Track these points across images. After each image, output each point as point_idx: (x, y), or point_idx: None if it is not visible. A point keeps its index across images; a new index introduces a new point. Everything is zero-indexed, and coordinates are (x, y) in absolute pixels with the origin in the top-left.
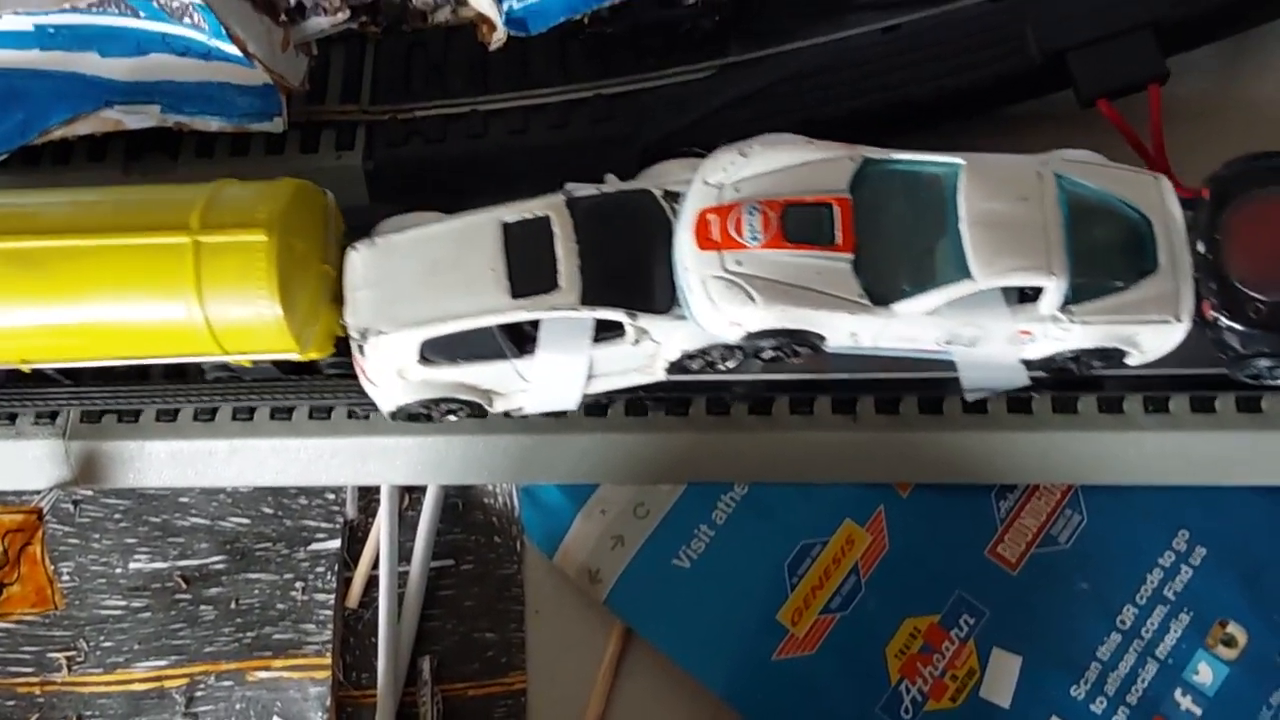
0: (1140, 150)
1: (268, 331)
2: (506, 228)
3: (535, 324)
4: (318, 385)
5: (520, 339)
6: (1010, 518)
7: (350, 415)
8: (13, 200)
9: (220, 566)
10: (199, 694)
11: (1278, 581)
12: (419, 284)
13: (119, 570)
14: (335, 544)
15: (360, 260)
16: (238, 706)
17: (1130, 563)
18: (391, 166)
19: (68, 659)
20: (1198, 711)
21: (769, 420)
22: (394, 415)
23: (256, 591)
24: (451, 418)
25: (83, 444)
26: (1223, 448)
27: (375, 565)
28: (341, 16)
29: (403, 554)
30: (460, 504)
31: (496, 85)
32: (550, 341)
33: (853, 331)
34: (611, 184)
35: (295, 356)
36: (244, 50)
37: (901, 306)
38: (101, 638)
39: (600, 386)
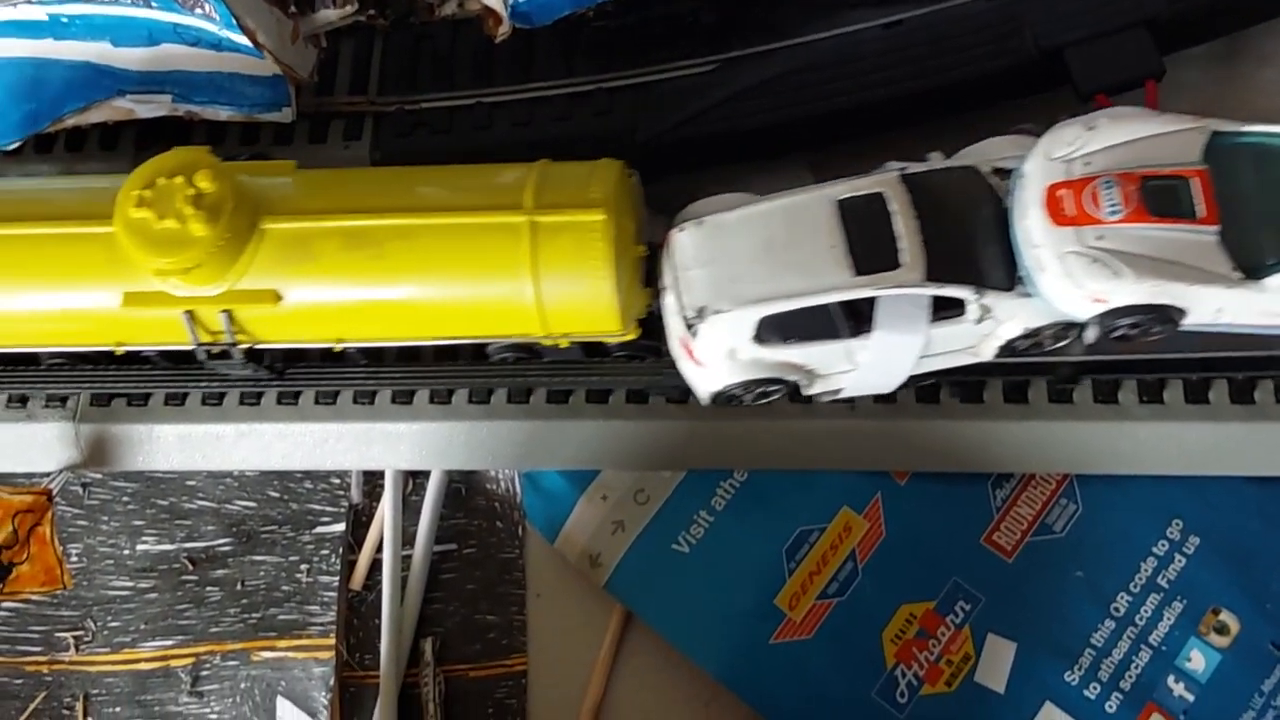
0: None
1: (598, 311)
2: (841, 205)
3: (870, 302)
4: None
5: (855, 318)
6: (1006, 506)
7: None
8: (342, 178)
9: (226, 548)
10: (204, 673)
11: (1269, 570)
12: (756, 262)
13: (127, 551)
14: (340, 527)
15: (690, 240)
16: (243, 686)
17: (1124, 551)
18: (398, 157)
19: (75, 638)
20: (1190, 698)
21: (768, 409)
22: (714, 399)
23: (262, 573)
24: (763, 401)
25: (92, 427)
26: (1216, 438)
27: (379, 548)
28: (350, 9)
29: (406, 538)
30: (463, 489)
31: (501, 78)
32: (888, 320)
33: (1219, 307)
34: (935, 160)
35: (616, 337)
36: (254, 41)
37: (1273, 280)
38: (109, 618)
39: (926, 367)
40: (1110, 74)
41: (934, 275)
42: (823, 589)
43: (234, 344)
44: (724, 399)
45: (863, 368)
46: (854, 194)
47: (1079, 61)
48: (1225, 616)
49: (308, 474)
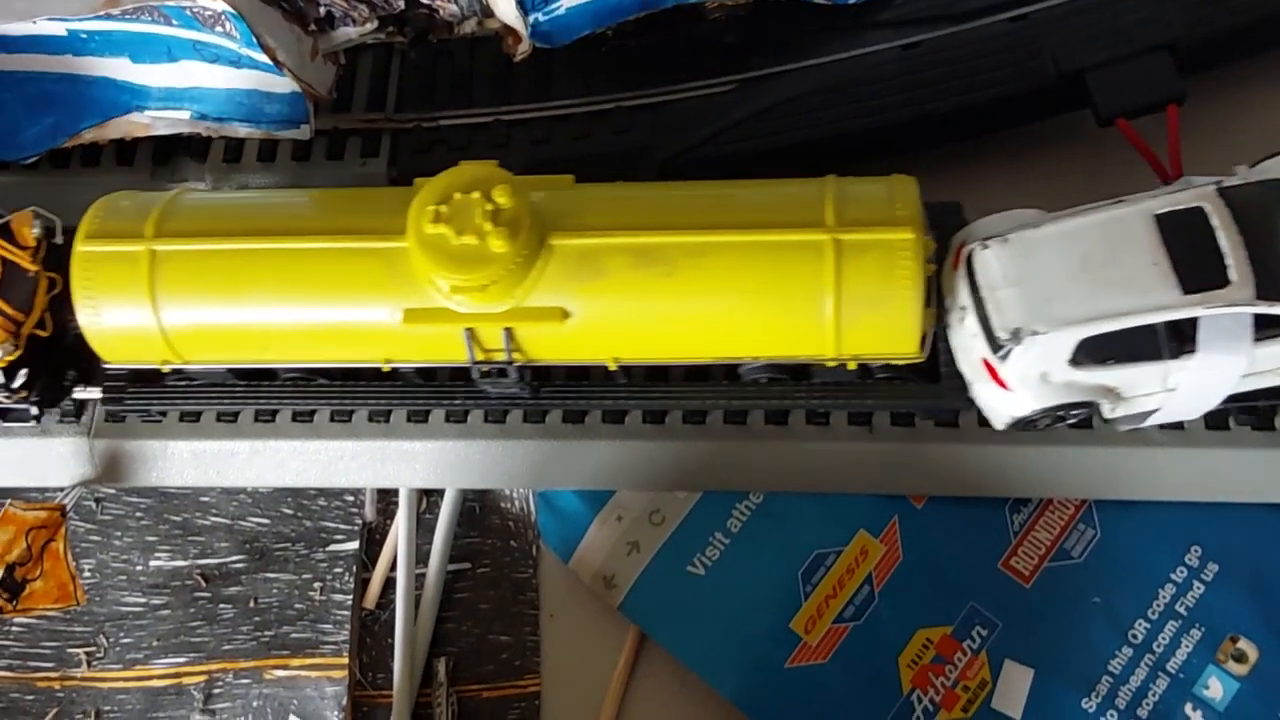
0: (1158, 170)
1: (898, 332)
2: (1160, 220)
3: (1193, 322)
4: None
5: (1178, 338)
6: (1024, 531)
7: (370, 419)
8: (626, 193)
9: (240, 565)
10: (217, 691)
11: None
12: (1073, 280)
13: (139, 568)
14: (353, 545)
15: (996, 258)
16: (255, 704)
17: (1143, 577)
18: (416, 174)
19: (87, 655)
20: None
21: (785, 430)
22: (1016, 424)
23: (275, 591)
24: (1059, 424)
25: (106, 443)
26: (1236, 465)
27: (393, 567)
28: (370, 26)
29: (420, 556)
30: (477, 508)
31: (520, 96)
32: (1212, 340)
33: None
34: (1240, 174)
35: (908, 359)
36: (273, 58)
37: None
38: (121, 634)
39: (1241, 387)
40: (1131, 97)
41: (1264, 293)
42: (839, 613)
43: (509, 362)
44: (1024, 425)
45: (1182, 390)
46: (1172, 208)
47: (1100, 84)
48: (1244, 644)
49: (322, 491)
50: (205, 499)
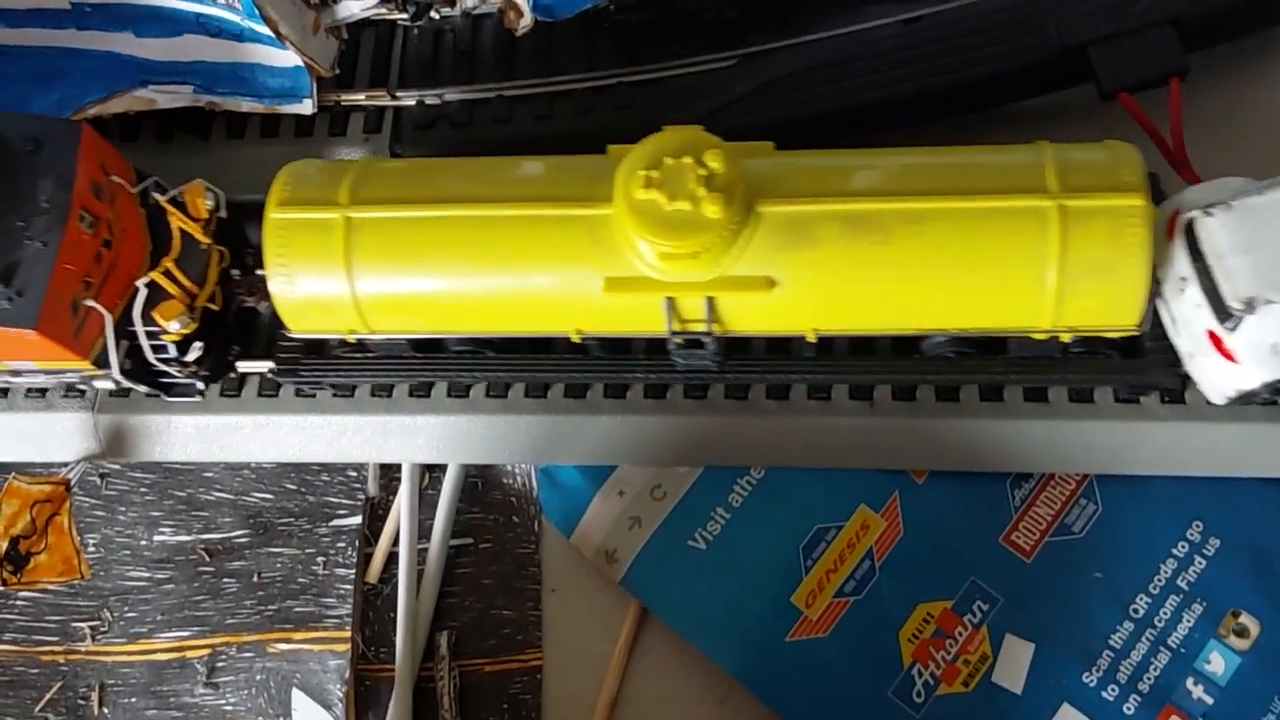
0: (1160, 145)
1: (1123, 303)
2: None
3: None
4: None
5: None
6: (1025, 506)
7: (373, 393)
8: (833, 158)
9: (243, 540)
10: (220, 664)
11: None
12: None
13: (144, 542)
14: (356, 520)
15: (1222, 226)
16: (258, 677)
17: (1144, 552)
18: (418, 150)
19: (92, 629)
20: (1209, 700)
21: (786, 405)
22: (1237, 399)
23: (278, 565)
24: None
25: (111, 418)
26: (1238, 439)
27: (395, 542)
28: (372, 1)
29: (422, 531)
30: (480, 483)
31: (522, 71)
32: None
33: None
34: None
35: (1126, 332)
36: (276, 32)
37: None
38: (125, 608)
39: None
40: (1134, 72)
41: None
42: (839, 587)
43: (708, 333)
44: (1244, 398)
45: None
46: None
47: (1103, 59)
48: (1245, 619)
49: (325, 467)
50: (209, 474)
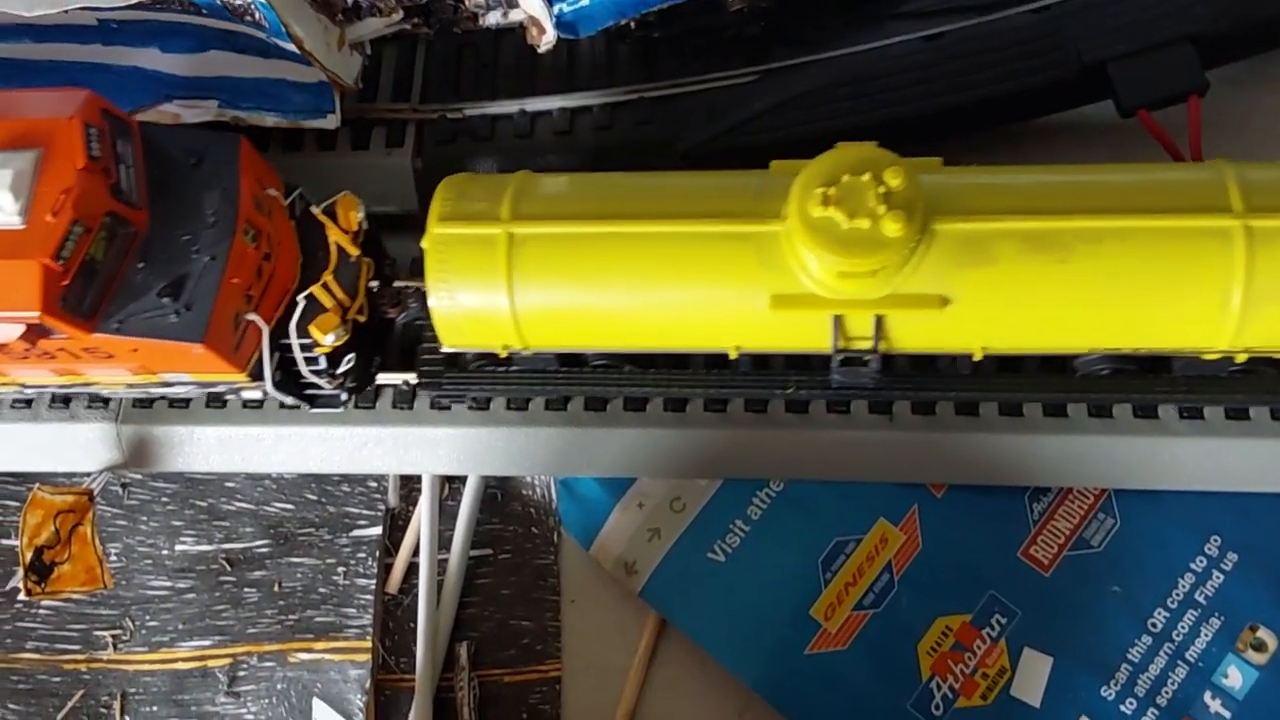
0: (1179, 161)
1: None
2: None
3: None
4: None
5: None
6: (1044, 520)
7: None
8: (1005, 175)
9: (264, 550)
10: (241, 674)
11: None
12: None
13: (165, 552)
14: (377, 531)
15: None
16: (279, 687)
17: (1162, 567)
18: (440, 164)
19: (114, 637)
20: (1227, 714)
21: (806, 419)
22: None
23: (299, 575)
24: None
25: (134, 428)
26: (1257, 455)
27: (415, 552)
28: (395, 17)
29: (442, 542)
30: (499, 494)
31: (544, 87)
32: None
33: None
34: None
35: None
36: (301, 48)
37: None
38: (147, 617)
39: None
40: (1153, 89)
41: None
42: (858, 600)
43: (874, 351)
44: None
45: None
46: None
47: (1122, 76)
48: (1263, 633)
49: (345, 477)
50: (230, 484)
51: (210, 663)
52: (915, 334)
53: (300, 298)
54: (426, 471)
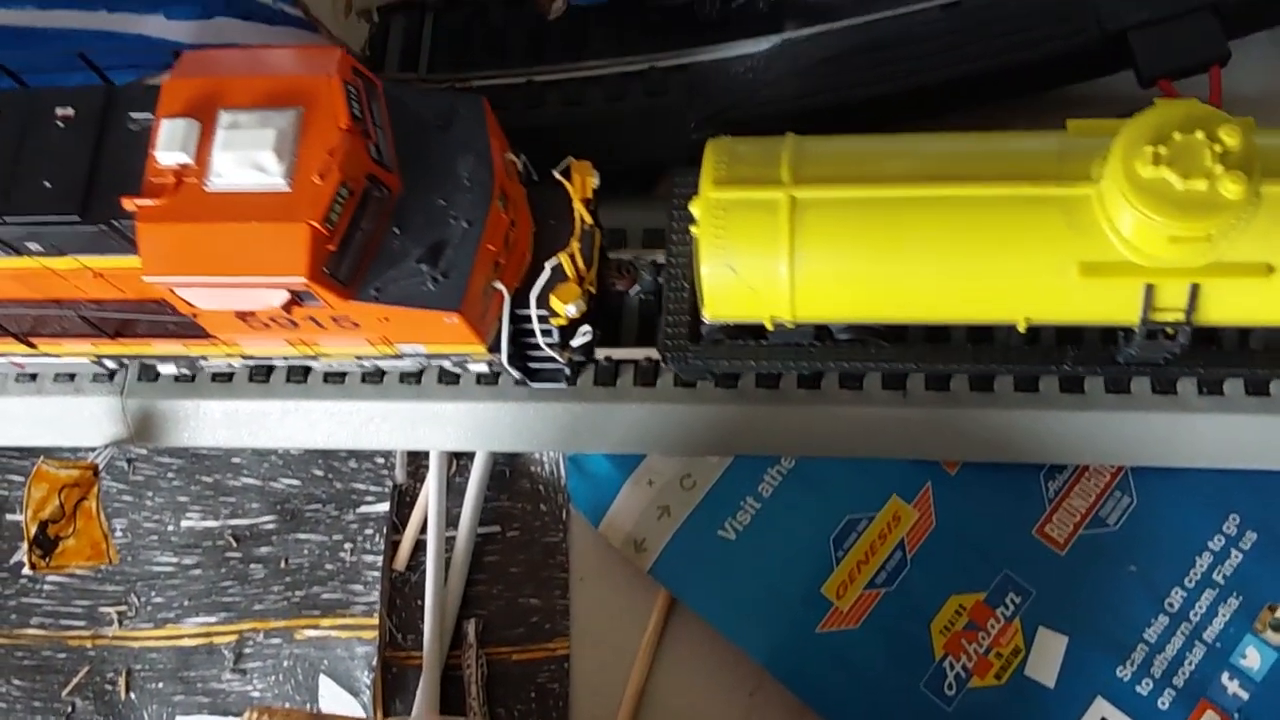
0: None
1: None
2: None
3: None
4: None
5: None
6: (1059, 498)
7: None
8: None
9: (270, 526)
10: (247, 650)
11: None
12: None
13: (171, 528)
14: (384, 507)
15: None
16: (285, 663)
17: (1179, 546)
18: None
19: (119, 613)
20: (1244, 695)
21: (818, 394)
22: None
23: (306, 551)
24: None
25: (139, 402)
26: (1276, 431)
27: (423, 529)
28: None
29: (450, 519)
30: (508, 471)
31: (553, 56)
32: None
33: None
34: None
35: None
36: (307, 14)
37: None
38: (152, 593)
39: None
40: (1174, 58)
41: None
42: (871, 578)
43: (1186, 323)
44: None
45: None
46: None
47: (1143, 45)
48: None
49: (352, 453)
50: (236, 460)
51: (216, 639)
52: (1231, 304)
53: (547, 265)
54: (434, 448)
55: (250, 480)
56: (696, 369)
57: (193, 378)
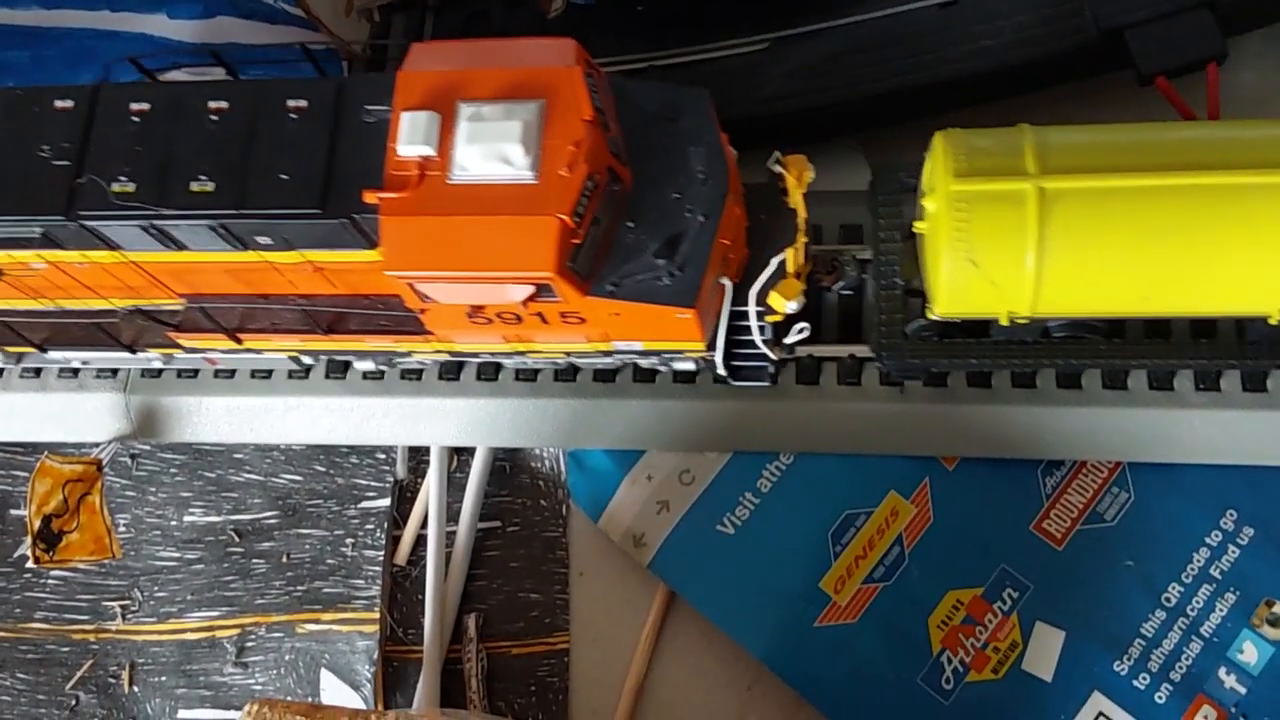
0: None
1: None
2: None
3: None
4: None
5: None
6: (1056, 493)
7: (403, 376)
8: None
9: (272, 521)
10: (249, 644)
11: None
12: None
13: (174, 523)
14: (385, 502)
15: None
16: (287, 657)
17: (1177, 541)
18: None
19: (122, 608)
20: (1242, 690)
21: (816, 390)
22: None
23: (307, 546)
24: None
25: (142, 398)
26: (1274, 427)
27: (424, 524)
28: None
29: (450, 514)
30: (508, 467)
31: None
32: None
33: None
34: None
35: None
36: (308, 13)
37: None
38: (155, 588)
39: None
40: (1172, 56)
41: None
42: (869, 573)
43: None
44: None
45: None
46: None
47: (1140, 43)
48: (1279, 608)
49: (353, 449)
50: (239, 455)
51: (218, 633)
52: None
53: (773, 261)
54: (435, 443)
55: (252, 476)
56: (911, 368)
57: (196, 374)
